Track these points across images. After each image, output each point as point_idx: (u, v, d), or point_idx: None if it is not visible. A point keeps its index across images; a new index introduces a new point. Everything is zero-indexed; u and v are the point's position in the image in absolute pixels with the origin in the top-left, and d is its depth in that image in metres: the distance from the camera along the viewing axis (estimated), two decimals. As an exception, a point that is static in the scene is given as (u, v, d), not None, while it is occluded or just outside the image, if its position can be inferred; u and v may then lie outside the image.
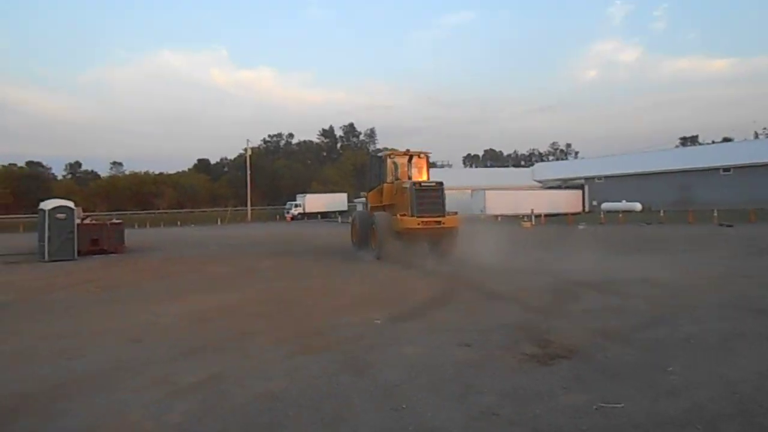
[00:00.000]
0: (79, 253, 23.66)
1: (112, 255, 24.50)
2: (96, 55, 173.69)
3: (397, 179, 20.27)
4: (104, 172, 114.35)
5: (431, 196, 18.21)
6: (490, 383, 5.63)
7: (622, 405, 4.90)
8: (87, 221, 27.81)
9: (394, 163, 20.72)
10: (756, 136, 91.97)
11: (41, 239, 23.15)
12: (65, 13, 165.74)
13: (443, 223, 17.94)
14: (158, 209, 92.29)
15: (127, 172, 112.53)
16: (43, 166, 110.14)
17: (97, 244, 25.31)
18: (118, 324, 9.26)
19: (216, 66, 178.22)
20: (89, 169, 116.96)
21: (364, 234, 20.22)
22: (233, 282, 14.33)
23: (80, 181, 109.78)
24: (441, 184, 18.82)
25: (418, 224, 17.62)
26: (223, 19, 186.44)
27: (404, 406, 5.06)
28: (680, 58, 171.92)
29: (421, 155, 21.08)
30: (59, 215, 23.16)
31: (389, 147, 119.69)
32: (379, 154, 22.17)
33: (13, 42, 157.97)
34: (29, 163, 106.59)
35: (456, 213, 19.09)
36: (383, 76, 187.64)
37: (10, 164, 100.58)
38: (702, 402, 4.96)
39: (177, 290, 13.17)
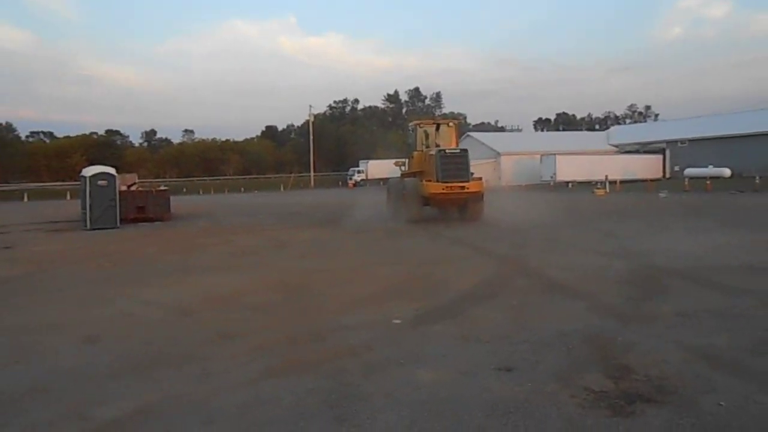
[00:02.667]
0: (123, 220, 22.85)
1: (157, 223, 23.59)
2: (172, 27, 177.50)
3: (427, 147, 20.80)
4: (177, 139, 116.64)
5: (456, 162, 18.78)
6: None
7: None
8: (134, 188, 27.08)
9: (425, 132, 21.42)
10: None
11: (83, 207, 22.43)
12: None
13: (467, 188, 18.59)
14: (224, 175, 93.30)
15: (196, 140, 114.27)
16: (121, 134, 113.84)
17: (143, 211, 24.48)
18: (90, 315, 7.73)
19: (285, 34, 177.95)
20: (163, 137, 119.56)
21: (398, 201, 20.51)
22: (256, 258, 12.70)
23: (153, 149, 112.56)
24: (465, 150, 19.97)
25: (443, 189, 18.40)
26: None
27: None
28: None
29: (450, 124, 22.16)
30: (100, 182, 22.28)
31: (456, 112, 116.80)
32: (410, 124, 23.06)
33: (94, 17, 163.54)
34: (108, 132, 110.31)
35: (480, 178, 19.59)
36: (453, 39, 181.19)
37: (91, 133, 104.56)
38: None
39: (190, 268, 11.66)
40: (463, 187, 18.48)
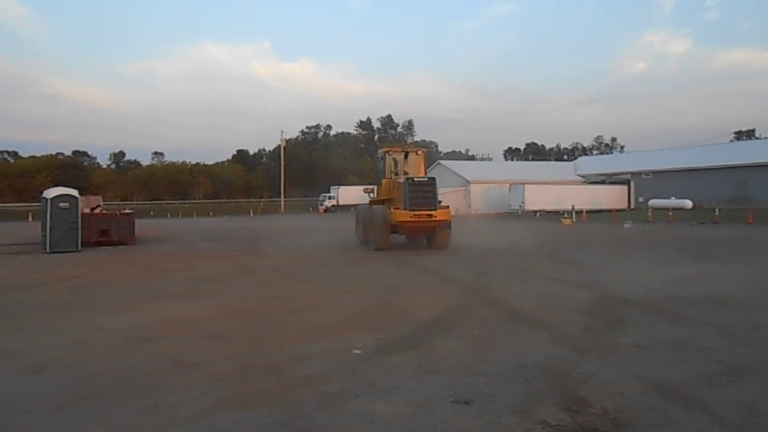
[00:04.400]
0: (85, 244, 22.34)
1: (121, 247, 23.08)
2: (143, 47, 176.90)
3: (396, 174, 20.92)
4: (146, 161, 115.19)
5: (424, 191, 18.83)
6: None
7: None
8: (98, 211, 26.50)
9: (394, 159, 21.48)
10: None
11: (44, 229, 21.85)
12: (113, 6, 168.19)
13: (435, 216, 18.64)
14: (193, 199, 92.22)
15: (166, 163, 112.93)
16: (88, 155, 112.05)
17: (107, 235, 23.94)
18: (38, 343, 7.43)
19: (258, 59, 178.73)
20: (132, 158, 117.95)
21: (366, 228, 20.70)
22: (219, 285, 12.43)
23: (121, 171, 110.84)
24: (433, 179, 19.79)
25: (411, 217, 18.44)
26: (266, 12, 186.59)
27: None
28: (734, 50, 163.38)
29: (419, 152, 22.19)
30: (62, 204, 21.82)
31: (428, 140, 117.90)
32: (379, 151, 22.95)
33: (64, 35, 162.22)
34: (75, 153, 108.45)
35: (448, 207, 19.65)
36: (424, 67, 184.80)
37: (57, 153, 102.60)
38: None
39: (149, 294, 11.37)
40: (430, 215, 18.53)
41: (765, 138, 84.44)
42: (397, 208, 18.73)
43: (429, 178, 20.01)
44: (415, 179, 19.19)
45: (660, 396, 5.07)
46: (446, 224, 19.14)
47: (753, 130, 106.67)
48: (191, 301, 10.47)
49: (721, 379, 5.44)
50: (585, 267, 14.26)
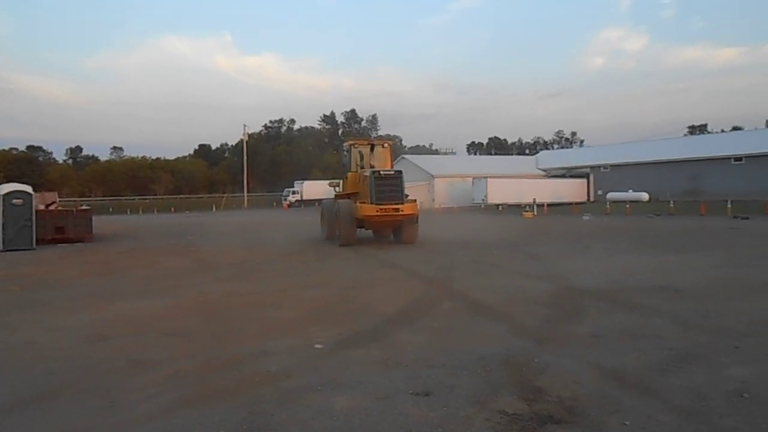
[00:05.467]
0: (40, 241, 21.78)
1: (78, 244, 22.52)
2: (101, 40, 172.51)
3: (362, 168, 20.58)
4: (105, 157, 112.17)
5: (390, 184, 18.56)
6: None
7: None
8: (53, 207, 25.79)
9: (360, 153, 21.27)
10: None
11: (-5, 227, 21.16)
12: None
13: (401, 211, 18.38)
14: (155, 195, 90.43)
15: (125, 158, 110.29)
16: (44, 150, 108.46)
17: (63, 232, 23.36)
18: (-11, 344, 7.21)
19: (221, 52, 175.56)
20: (90, 154, 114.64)
21: (331, 223, 20.45)
22: (179, 282, 12.23)
23: (78, 166, 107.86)
24: (400, 172, 19.50)
25: (377, 211, 18.12)
26: (228, 5, 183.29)
27: None
28: (688, 47, 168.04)
29: (385, 145, 21.96)
30: (15, 201, 21.19)
31: (392, 134, 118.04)
32: (345, 144, 22.57)
33: (19, 28, 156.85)
34: (29, 148, 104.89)
35: (415, 201, 19.42)
36: (390, 63, 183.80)
37: (11, 148, 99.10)
38: None
39: (106, 292, 11.13)
40: (397, 209, 18.29)
41: (717, 132, 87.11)
42: (363, 202, 18.41)
43: (395, 171, 19.74)
44: (382, 172, 18.94)
45: (614, 384, 5.21)
46: (413, 218, 18.88)
47: (705, 125, 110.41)
48: (150, 298, 10.28)
49: (672, 366, 5.61)
50: (545, 259, 14.51)
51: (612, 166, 55.84)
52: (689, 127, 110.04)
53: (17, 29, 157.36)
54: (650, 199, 47.26)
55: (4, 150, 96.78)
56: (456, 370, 5.68)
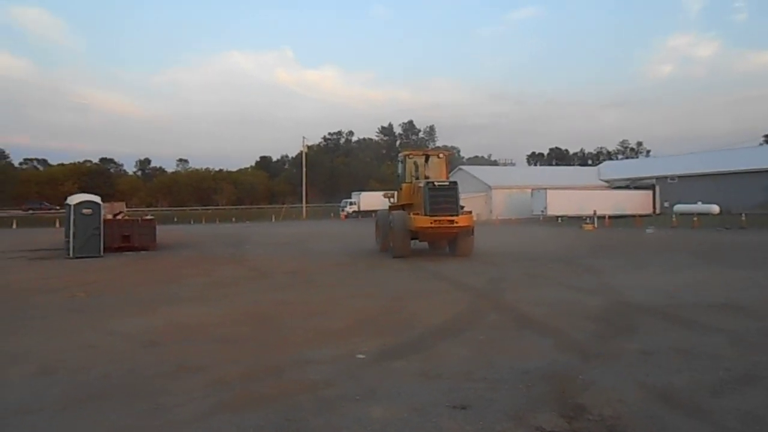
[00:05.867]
0: (108, 249, 22.76)
1: (142, 252, 23.47)
2: (169, 57, 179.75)
3: (416, 179, 20.26)
4: (171, 168, 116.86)
5: (445, 195, 18.10)
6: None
7: None
8: (120, 217, 26.98)
9: (415, 163, 20.95)
10: None
11: (67, 235, 22.32)
12: (142, 17, 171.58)
13: (456, 222, 17.87)
14: (217, 205, 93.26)
15: (190, 169, 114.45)
16: (115, 162, 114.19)
17: (128, 240, 24.39)
18: (51, 346, 7.61)
19: (281, 66, 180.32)
20: (158, 165, 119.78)
21: (385, 234, 20.13)
22: (233, 290, 12.56)
23: (147, 177, 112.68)
24: (455, 183, 18.98)
25: (431, 223, 17.65)
26: (289, 21, 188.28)
27: None
28: (763, 52, 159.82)
29: (440, 155, 21.50)
30: (85, 210, 22.23)
31: (450, 145, 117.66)
32: (399, 155, 22.21)
33: (93, 46, 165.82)
34: (102, 160, 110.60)
35: (470, 212, 18.86)
36: (447, 73, 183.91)
37: (85, 161, 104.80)
38: None
39: (164, 298, 11.55)
40: (452, 221, 17.74)
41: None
42: (417, 214, 18.01)
43: (450, 181, 19.18)
44: (436, 183, 18.48)
45: (661, 403, 4.99)
46: (469, 230, 18.34)
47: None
48: (204, 305, 10.60)
49: (726, 387, 5.33)
50: (601, 273, 14.08)
51: (680, 177, 53.65)
52: (765, 136, 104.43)
53: (91, 47, 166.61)
54: (721, 211, 45.09)
55: (78, 162, 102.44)
56: (496, 383, 5.59)
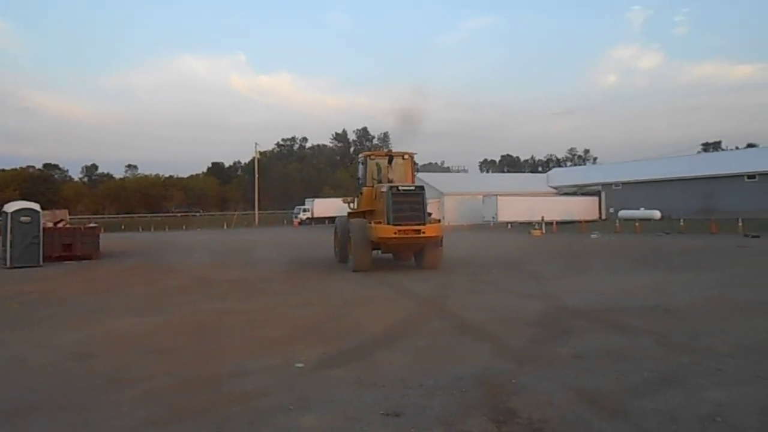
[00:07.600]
0: (48, 258, 21.98)
1: (84, 261, 22.74)
2: (118, 60, 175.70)
3: (379, 182, 18.11)
4: (119, 174, 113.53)
5: (411, 201, 16.00)
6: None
7: None
8: (62, 225, 26.09)
9: (377, 165, 18.67)
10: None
11: (3, 244, 21.47)
12: (88, 18, 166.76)
13: (423, 232, 15.82)
14: (166, 212, 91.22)
15: (139, 175, 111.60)
16: (60, 168, 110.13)
17: (70, 249, 23.63)
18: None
19: (235, 71, 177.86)
20: (105, 171, 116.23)
21: (344, 245, 18.34)
22: (174, 299, 12.31)
23: (93, 184, 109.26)
24: (422, 188, 16.61)
25: (395, 233, 15.60)
26: (243, 25, 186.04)
27: None
28: (702, 64, 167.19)
29: (405, 156, 18.91)
30: (23, 218, 21.43)
31: (404, 152, 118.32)
32: (360, 155, 20.10)
33: (37, 47, 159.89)
34: (46, 165, 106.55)
35: (439, 221, 17.38)
36: (403, 81, 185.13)
37: (28, 166, 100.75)
38: None
39: (102, 309, 11.22)
40: (418, 231, 15.73)
41: (731, 150, 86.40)
42: (379, 222, 16.03)
43: (417, 186, 16.78)
44: (400, 188, 16.31)
45: (587, 406, 5.15)
46: (437, 241, 16.58)
47: (719, 142, 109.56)
48: (143, 315, 10.35)
49: (649, 389, 5.53)
50: (543, 278, 14.41)
51: (624, 183, 55.61)
52: (703, 145, 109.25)
53: (34, 48, 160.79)
54: (662, 217, 46.90)
55: (20, 168, 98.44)
56: (431, 390, 5.65)
